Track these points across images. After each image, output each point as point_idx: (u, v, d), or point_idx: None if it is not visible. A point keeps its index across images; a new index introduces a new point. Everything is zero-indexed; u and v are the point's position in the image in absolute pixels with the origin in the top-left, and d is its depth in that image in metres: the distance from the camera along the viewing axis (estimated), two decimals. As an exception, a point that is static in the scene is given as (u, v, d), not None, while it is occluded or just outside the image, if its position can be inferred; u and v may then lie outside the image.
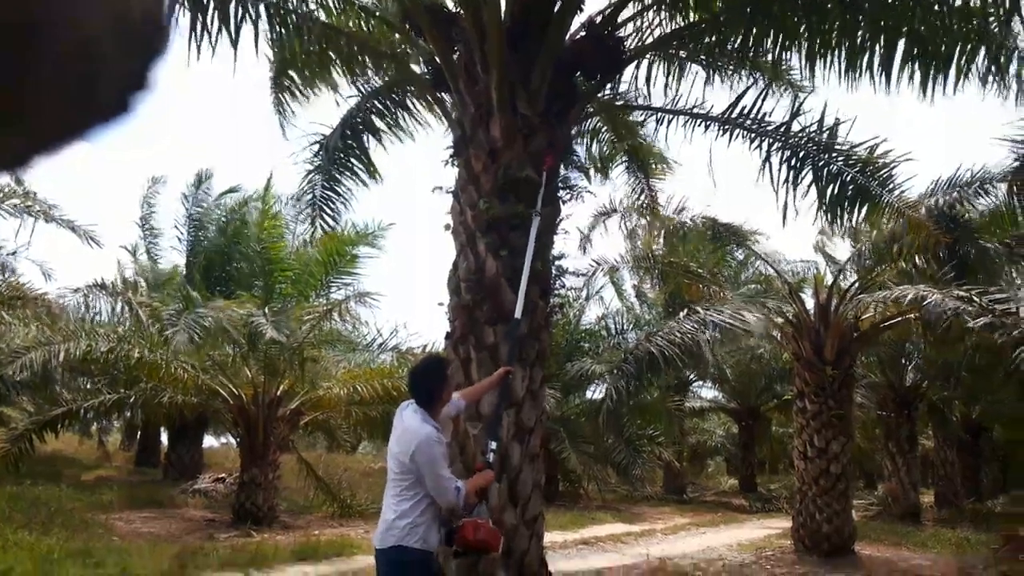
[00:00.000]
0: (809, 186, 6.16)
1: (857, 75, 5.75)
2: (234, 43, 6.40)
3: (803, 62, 6.06)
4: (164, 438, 20.62)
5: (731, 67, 7.06)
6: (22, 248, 13.16)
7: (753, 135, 6.58)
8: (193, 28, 6.12)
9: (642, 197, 9.82)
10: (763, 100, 6.67)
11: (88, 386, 14.61)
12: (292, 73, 8.09)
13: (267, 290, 14.89)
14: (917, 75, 5.67)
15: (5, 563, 7.47)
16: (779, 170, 6.35)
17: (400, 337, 13.63)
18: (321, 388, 12.50)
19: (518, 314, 4.97)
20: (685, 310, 11.36)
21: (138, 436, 23.16)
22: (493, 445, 4.24)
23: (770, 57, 6.48)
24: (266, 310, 11.54)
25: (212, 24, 6.19)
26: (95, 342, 10.85)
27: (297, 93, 8.36)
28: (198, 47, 6.20)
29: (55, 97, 0.42)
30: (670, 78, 7.30)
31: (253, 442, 11.89)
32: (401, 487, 3.72)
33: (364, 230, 14.66)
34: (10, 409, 23.56)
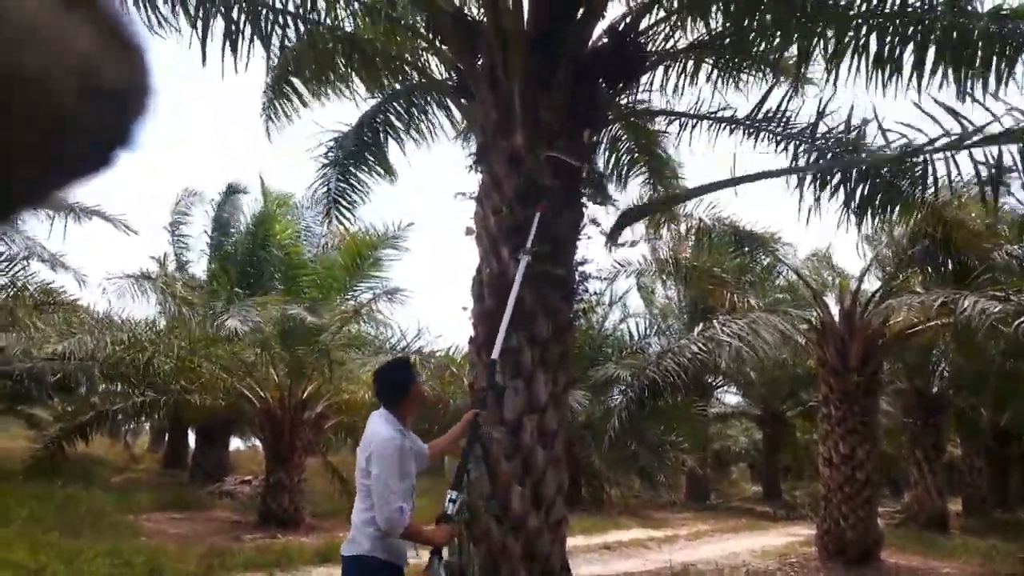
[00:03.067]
0: (837, 186, 6.11)
1: (886, 79, 5.69)
2: (266, 46, 6.53)
3: (829, 68, 6.03)
4: (192, 441, 20.90)
5: (755, 72, 7.05)
6: (60, 255, 13.39)
7: (779, 137, 6.57)
8: (228, 36, 6.24)
9: (662, 207, 9.73)
10: (788, 102, 6.65)
11: (118, 388, 14.84)
12: (295, 80, 8.06)
13: (291, 292, 15.04)
14: (951, 79, 5.54)
15: (37, 563, 7.62)
16: (805, 171, 6.31)
17: (424, 340, 13.70)
18: (346, 391, 12.61)
19: (494, 355, 4.75)
20: (701, 324, 11.29)
21: (166, 439, 23.48)
22: (454, 495, 3.86)
23: (794, 62, 6.46)
24: (301, 307, 11.68)
25: (244, 32, 6.30)
26: (131, 342, 11.05)
27: (296, 101, 8.29)
28: (225, 54, 6.34)
29: (27, 160, 0.42)
30: (692, 83, 7.31)
31: (279, 445, 12.03)
32: (366, 494, 3.56)
33: (385, 233, 14.77)
34: (41, 410, 23.99)
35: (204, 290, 15.99)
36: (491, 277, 5.55)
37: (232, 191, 18.73)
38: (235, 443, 22.25)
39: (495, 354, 4.77)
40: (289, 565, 8.58)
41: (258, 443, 20.15)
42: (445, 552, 3.79)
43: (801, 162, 6.36)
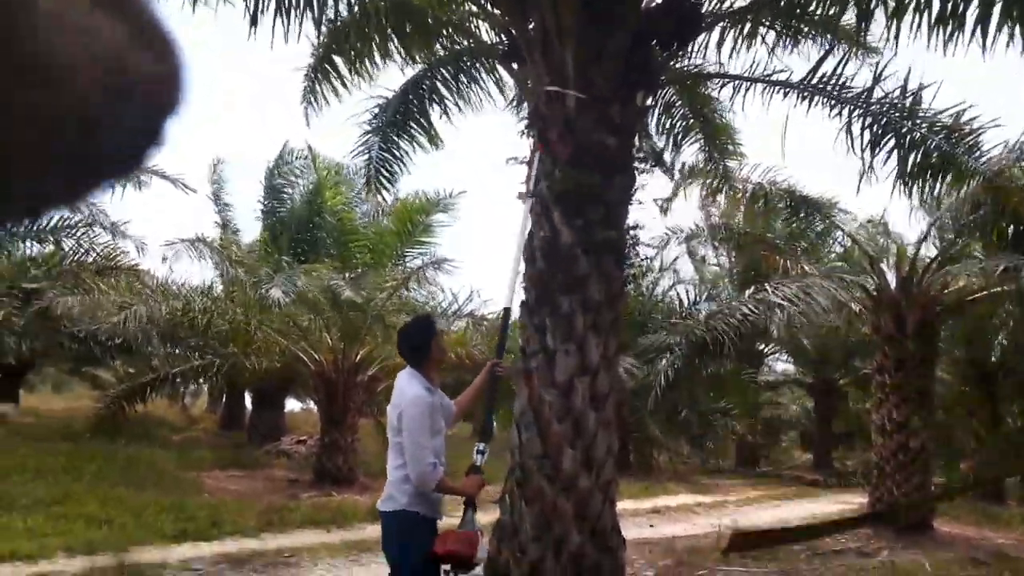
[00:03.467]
0: (890, 153, 5.99)
1: (946, 37, 5.52)
2: (317, 24, 6.58)
3: (889, 25, 5.85)
4: (248, 402, 21.48)
5: (812, 34, 6.90)
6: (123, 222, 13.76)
7: (833, 102, 6.44)
8: (280, 8, 6.31)
9: (715, 174, 9.61)
10: (843, 66, 6.51)
11: (177, 351, 15.29)
12: (337, 59, 7.95)
13: (343, 259, 15.27)
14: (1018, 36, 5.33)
15: (107, 515, 7.98)
16: (859, 137, 6.21)
17: (475, 303, 13.82)
18: (398, 355, 12.80)
19: (507, 303, 4.88)
20: (753, 287, 11.17)
21: (223, 400, 24.16)
22: (481, 446, 4.08)
23: (853, 24, 6.31)
24: (345, 275, 11.87)
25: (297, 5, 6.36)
26: (188, 305, 11.37)
27: (337, 82, 8.14)
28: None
29: (54, 156, 0.41)
30: (747, 46, 7.16)
31: (333, 407, 12.31)
32: (399, 451, 3.67)
33: (436, 199, 14.85)
34: (104, 371, 24.87)
35: (255, 255, 16.33)
36: (542, 241, 5.57)
37: (283, 159, 18.97)
38: (290, 405, 22.76)
39: (507, 302, 4.90)
40: (344, 522, 8.83)
41: (312, 405, 20.66)
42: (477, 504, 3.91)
43: (855, 127, 6.23)
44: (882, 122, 6.23)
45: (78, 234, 12.43)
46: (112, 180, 0.47)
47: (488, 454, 4.12)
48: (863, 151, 6.04)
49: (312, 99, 8.41)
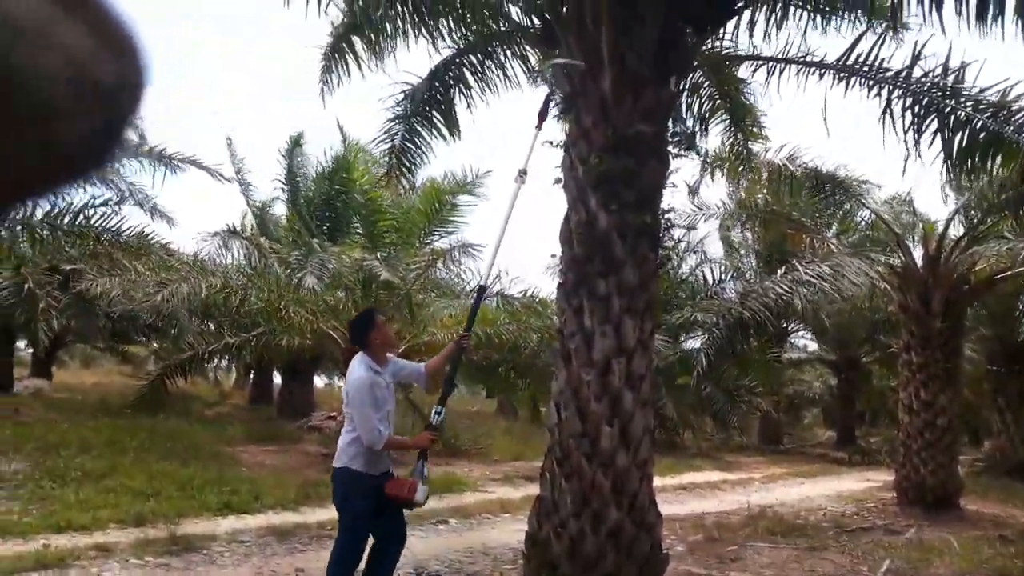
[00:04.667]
0: (935, 134, 5.94)
1: (991, 19, 5.48)
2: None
3: (928, 3, 5.79)
4: (276, 378, 21.83)
5: (848, 14, 6.88)
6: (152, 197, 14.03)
7: (871, 82, 6.41)
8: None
9: (741, 156, 9.61)
10: (881, 46, 6.47)
11: (211, 328, 15.60)
12: (356, 39, 7.95)
13: (371, 238, 15.42)
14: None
15: (153, 488, 8.25)
16: (900, 119, 6.18)
17: (503, 283, 13.95)
18: (427, 333, 12.99)
19: (485, 281, 5.68)
20: (783, 267, 11.21)
21: (251, 376, 24.55)
22: (438, 409, 4.95)
23: (889, 3, 6.28)
24: (378, 255, 12.04)
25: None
26: (226, 282, 11.62)
27: (354, 62, 8.15)
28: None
29: (17, 155, 0.42)
30: (780, 28, 7.16)
31: (362, 383, 12.50)
32: (350, 420, 4.54)
33: (464, 179, 14.95)
34: (136, 347, 25.32)
35: (286, 238, 16.55)
36: (579, 225, 5.67)
37: (297, 141, 19.11)
38: (318, 381, 23.10)
39: (485, 280, 5.74)
40: (378, 496, 9.03)
41: (339, 381, 20.95)
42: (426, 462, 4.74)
43: (895, 108, 6.23)
44: (923, 102, 6.17)
45: (109, 213, 12.62)
46: (72, 180, 0.47)
47: (443, 415, 5.03)
48: (905, 133, 6.02)
49: (327, 81, 8.44)
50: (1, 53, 0.39)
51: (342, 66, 8.28)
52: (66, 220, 11.42)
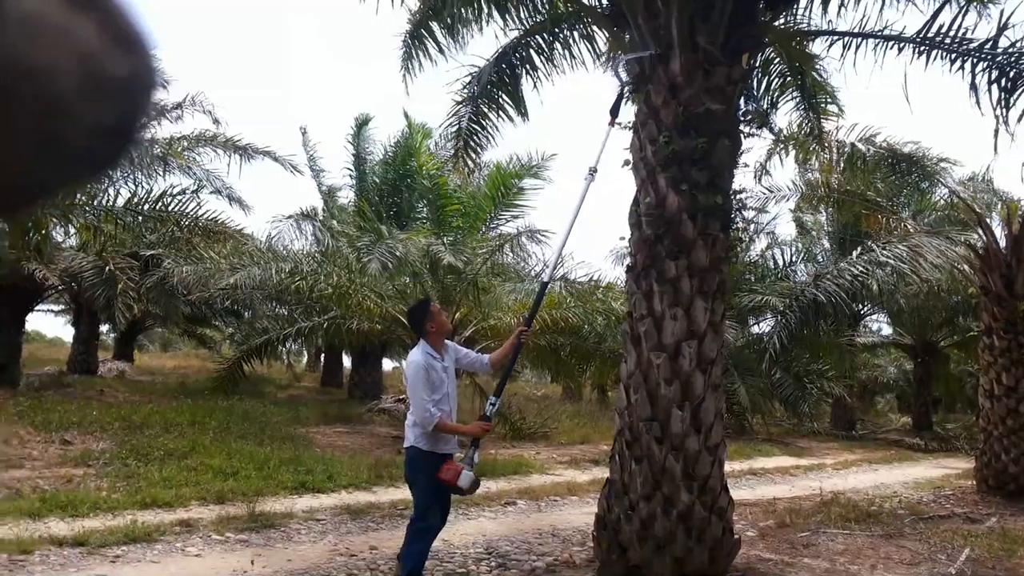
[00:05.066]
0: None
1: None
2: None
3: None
4: (346, 361, 22.28)
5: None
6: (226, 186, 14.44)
7: (954, 55, 6.18)
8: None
9: (813, 134, 9.35)
10: (963, 16, 6.24)
11: (284, 313, 16.00)
12: (434, 25, 8.03)
13: (438, 223, 15.56)
14: None
15: (232, 467, 8.53)
16: (987, 92, 5.94)
17: (567, 267, 13.94)
18: (493, 317, 13.08)
19: (545, 277, 6.08)
20: (859, 248, 10.90)
21: (322, 359, 25.10)
22: (492, 400, 5.11)
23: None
24: (443, 240, 12.15)
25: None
26: (300, 265, 11.92)
27: (432, 47, 8.22)
28: None
29: (31, 151, 0.42)
30: (856, 1, 6.94)
31: (430, 366, 12.67)
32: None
33: (529, 163, 14.94)
34: (210, 331, 26.12)
35: (355, 223, 16.81)
36: (648, 207, 5.63)
37: (363, 123, 19.32)
38: (387, 364, 23.48)
39: (545, 276, 5.99)
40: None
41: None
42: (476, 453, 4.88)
43: (980, 81, 5.98)
44: (1010, 75, 5.94)
45: (186, 199, 13.00)
46: (89, 177, 0.47)
47: (498, 406, 5.17)
48: (994, 108, 5.78)
49: (409, 65, 8.51)
50: (17, 50, 0.40)
51: (421, 51, 8.32)
52: (145, 207, 11.82)
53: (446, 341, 5.12)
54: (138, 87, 0.46)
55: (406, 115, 17.54)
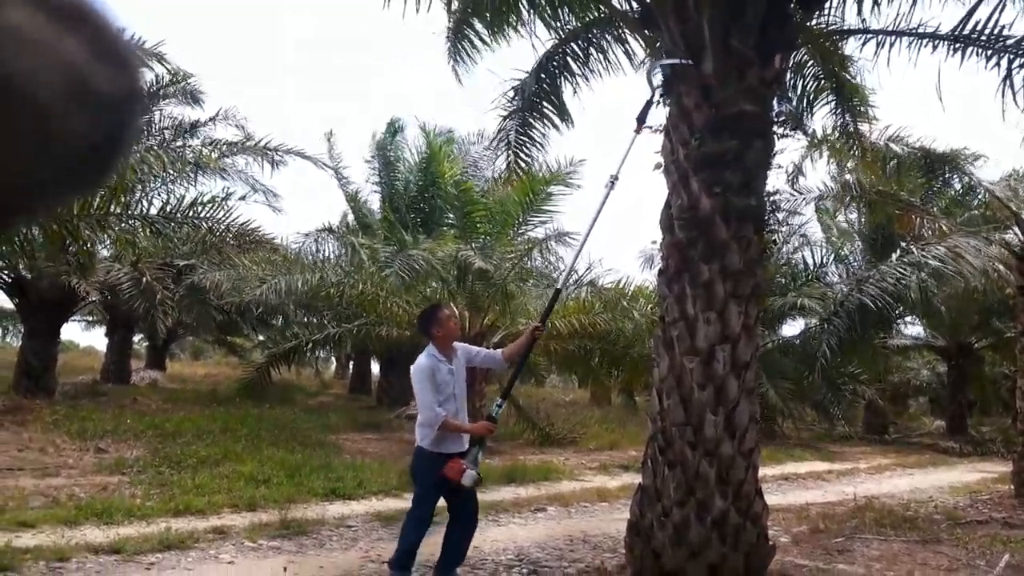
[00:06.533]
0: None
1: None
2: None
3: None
4: (375, 368, 22.35)
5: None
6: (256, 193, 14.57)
7: (990, 51, 6.08)
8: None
9: (848, 135, 9.22)
10: (1000, 12, 6.13)
11: (313, 320, 16.11)
12: (475, 21, 8.05)
13: (465, 228, 15.55)
14: None
15: (263, 474, 8.58)
16: (1022, 89, 5.83)
17: (595, 272, 13.89)
18: (521, 323, 13.05)
19: (559, 285, 6.42)
20: (898, 250, 10.74)
21: (350, 366, 25.22)
22: (500, 401, 5.28)
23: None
24: (471, 246, 12.16)
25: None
26: (326, 276, 12.00)
27: (478, 42, 8.23)
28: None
29: (18, 175, 0.43)
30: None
31: (460, 373, 12.68)
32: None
33: (557, 169, 14.87)
34: (240, 339, 26.36)
35: (381, 231, 16.89)
36: (681, 210, 5.58)
37: (395, 129, 19.38)
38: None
39: (562, 284, 6.54)
40: (481, 484, 9.14)
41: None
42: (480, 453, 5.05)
43: (1016, 78, 5.88)
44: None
45: (216, 207, 13.10)
46: (79, 191, 0.48)
47: (503, 408, 5.32)
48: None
49: (457, 58, 8.46)
50: (6, 64, 0.40)
51: (465, 44, 8.32)
52: (178, 215, 11.93)
53: (457, 343, 5.29)
54: (123, 103, 0.46)
55: (423, 128, 17.58)
